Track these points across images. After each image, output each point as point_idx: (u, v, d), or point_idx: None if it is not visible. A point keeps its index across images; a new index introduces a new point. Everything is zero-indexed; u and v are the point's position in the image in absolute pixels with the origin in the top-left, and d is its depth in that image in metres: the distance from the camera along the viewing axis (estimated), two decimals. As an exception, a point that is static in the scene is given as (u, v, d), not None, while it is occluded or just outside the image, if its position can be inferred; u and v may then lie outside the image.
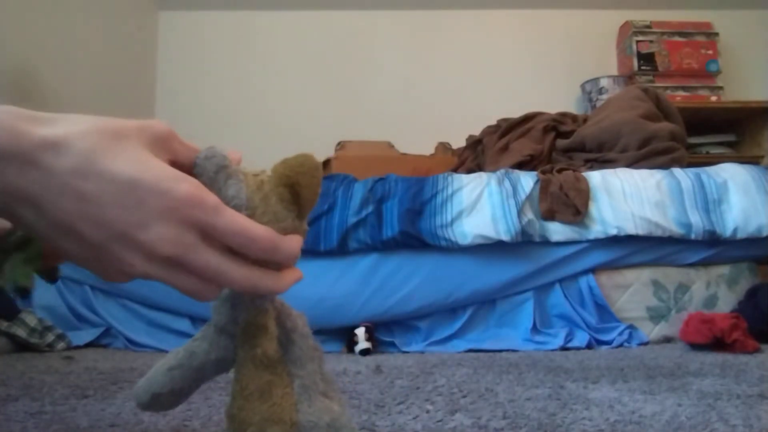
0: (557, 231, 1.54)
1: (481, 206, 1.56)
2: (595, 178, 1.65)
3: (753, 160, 2.47)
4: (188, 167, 0.38)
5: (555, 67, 3.17)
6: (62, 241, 0.34)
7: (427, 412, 0.67)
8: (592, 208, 1.56)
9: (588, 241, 1.54)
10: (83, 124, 0.34)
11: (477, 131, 2.35)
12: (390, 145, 2.59)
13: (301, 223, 0.40)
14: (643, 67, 2.91)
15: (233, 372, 0.41)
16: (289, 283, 0.39)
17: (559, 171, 1.71)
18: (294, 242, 0.38)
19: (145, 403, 0.44)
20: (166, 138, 0.38)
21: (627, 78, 2.93)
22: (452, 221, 1.53)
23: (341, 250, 1.53)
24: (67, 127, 0.34)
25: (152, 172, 0.34)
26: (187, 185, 0.34)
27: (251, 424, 0.38)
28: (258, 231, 0.36)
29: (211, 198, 0.35)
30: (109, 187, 0.33)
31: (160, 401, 0.44)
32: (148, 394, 0.43)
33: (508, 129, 2.16)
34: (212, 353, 0.42)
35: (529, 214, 1.54)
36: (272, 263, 0.37)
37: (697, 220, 1.53)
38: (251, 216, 0.37)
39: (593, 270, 1.55)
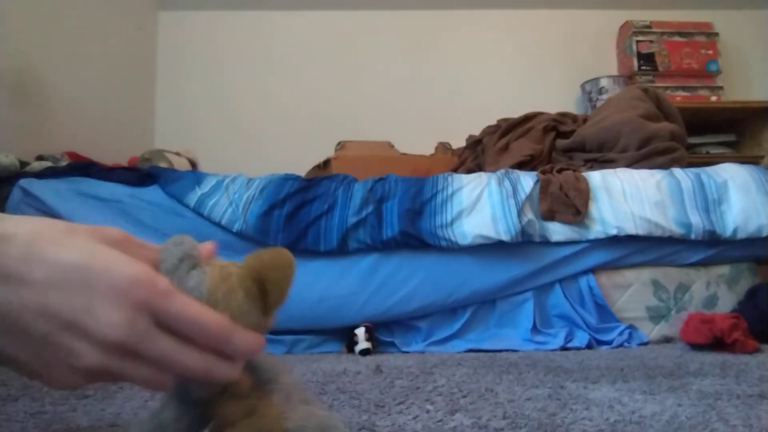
0: (557, 231, 1.54)
1: (481, 206, 1.56)
2: (595, 178, 1.64)
3: (753, 160, 2.48)
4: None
5: (555, 67, 3.17)
6: (3, 339, 0.32)
7: (427, 412, 0.67)
8: (592, 208, 1.56)
9: (588, 241, 1.54)
10: (32, 221, 0.34)
11: (477, 131, 2.35)
12: (390, 145, 2.59)
13: (266, 319, 0.39)
14: (643, 67, 2.91)
15: (213, 419, 0.39)
16: (240, 371, 0.37)
17: (559, 171, 1.71)
18: (250, 337, 0.36)
19: None
20: (120, 240, 0.37)
21: (627, 78, 2.93)
22: (452, 221, 1.53)
23: (341, 250, 1.53)
24: (15, 222, 0.33)
25: (100, 257, 0.33)
26: (137, 267, 0.33)
27: None
28: (210, 318, 0.34)
29: (163, 281, 0.34)
30: (55, 273, 0.31)
31: None
32: None
33: (508, 129, 2.16)
34: (182, 420, 0.40)
35: (529, 214, 1.54)
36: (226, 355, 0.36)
37: (697, 220, 1.53)
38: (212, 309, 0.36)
39: (593, 270, 1.55)
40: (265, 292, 0.38)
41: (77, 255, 0.32)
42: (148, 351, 0.33)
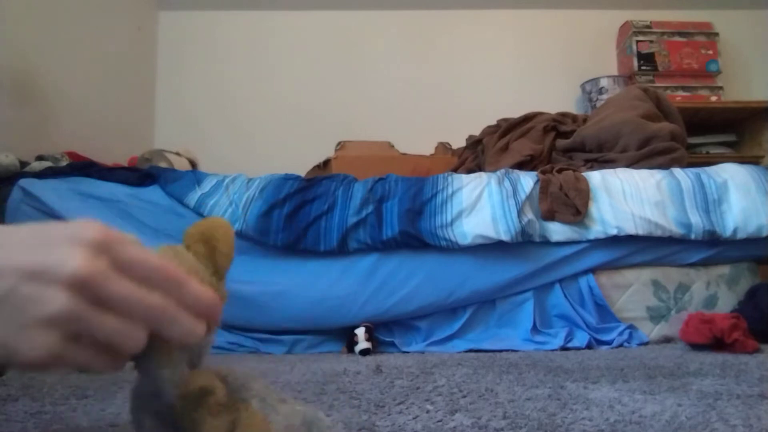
0: (557, 231, 1.54)
1: (481, 206, 1.56)
2: (595, 178, 1.64)
3: (753, 160, 2.48)
4: None
5: (555, 67, 3.17)
6: None
7: (427, 412, 0.67)
8: (592, 208, 1.56)
9: (588, 241, 1.54)
10: None
11: (477, 131, 2.35)
12: (390, 145, 2.59)
13: (219, 283, 0.40)
14: (643, 67, 2.91)
15: None
16: (203, 329, 0.36)
17: (559, 171, 1.71)
18: (205, 289, 0.36)
19: None
20: None
21: (627, 78, 2.93)
22: (452, 221, 1.53)
23: (341, 250, 1.53)
24: None
25: (57, 223, 0.34)
26: (90, 221, 0.34)
27: None
28: (164, 264, 0.35)
29: (117, 232, 0.34)
30: (13, 236, 0.32)
31: None
32: None
33: (508, 129, 2.16)
34: None
35: (529, 214, 1.54)
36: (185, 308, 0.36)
37: (697, 220, 1.53)
38: None
39: (593, 270, 1.55)
40: (212, 251, 0.39)
41: (29, 225, 0.34)
42: (113, 292, 0.32)
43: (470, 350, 1.42)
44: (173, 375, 0.37)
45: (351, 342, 1.42)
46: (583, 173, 1.68)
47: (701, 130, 2.83)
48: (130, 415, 0.41)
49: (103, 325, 0.32)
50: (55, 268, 0.31)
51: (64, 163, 1.87)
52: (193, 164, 2.24)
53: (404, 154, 2.55)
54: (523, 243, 1.52)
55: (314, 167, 2.45)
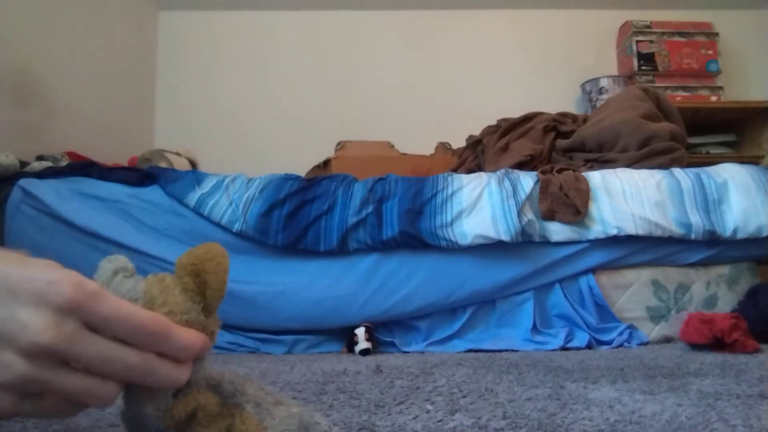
0: (557, 231, 1.54)
1: (481, 206, 1.56)
2: (595, 178, 1.64)
3: (753, 160, 2.48)
4: None
5: (555, 67, 3.17)
6: None
7: (427, 412, 0.67)
8: (592, 208, 1.56)
9: (588, 241, 1.54)
10: None
11: (477, 131, 2.35)
12: (390, 145, 2.59)
13: (208, 319, 0.38)
14: (643, 67, 2.91)
15: None
16: (190, 369, 0.35)
17: (559, 171, 1.71)
18: (191, 334, 0.34)
19: None
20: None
21: (627, 78, 2.93)
22: (452, 221, 1.53)
23: (341, 250, 1.53)
24: None
25: (26, 266, 0.31)
26: (62, 271, 0.31)
27: None
28: (145, 316, 0.32)
29: (91, 284, 0.32)
30: None
31: None
32: None
33: (508, 129, 2.16)
34: None
35: (529, 214, 1.54)
36: (169, 357, 0.34)
37: (697, 220, 1.53)
38: (149, 309, 0.34)
39: (593, 270, 1.55)
40: (203, 285, 0.37)
41: (1, 266, 0.31)
42: (80, 355, 0.31)
43: (470, 350, 1.42)
44: (157, 410, 0.36)
45: (351, 342, 1.42)
46: (583, 173, 1.68)
47: (701, 130, 2.83)
48: None
49: (66, 386, 0.31)
50: (15, 334, 0.29)
51: (64, 163, 1.86)
52: (193, 164, 2.24)
53: (404, 154, 2.55)
54: (523, 243, 1.52)
55: (314, 167, 2.45)
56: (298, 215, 1.55)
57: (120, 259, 0.36)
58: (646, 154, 1.79)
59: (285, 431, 0.37)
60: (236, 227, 1.54)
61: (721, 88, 2.91)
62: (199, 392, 0.37)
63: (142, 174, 1.71)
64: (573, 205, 1.55)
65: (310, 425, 0.39)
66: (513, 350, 1.39)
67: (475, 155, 2.27)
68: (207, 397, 0.37)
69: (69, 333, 0.30)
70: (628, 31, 3.00)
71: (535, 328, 1.50)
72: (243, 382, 0.40)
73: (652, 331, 1.53)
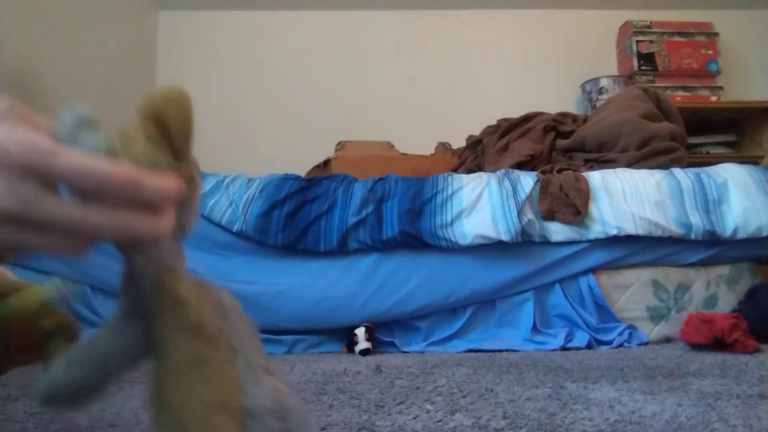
0: (557, 231, 1.54)
1: (481, 206, 1.56)
2: (595, 178, 1.64)
3: (753, 160, 2.47)
4: None
5: (555, 67, 3.16)
6: None
7: (427, 412, 0.67)
8: (592, 208, 1.56)
9: (588, 241, 1.54)
10: None
11: (477, 131, 2.35)
12: (390, 145, 2.59)
13: (180, 164, 0.35)
14: (643, 67, 2.91)
15: (154, 360, 0.34)
16: (172, 218, 0.33)
17: (559, 171, 1.71)
18: (163, 179, 0.32)
19: (44, 398, 0.39)
20: (4, 112, 0.32)
21: (627, 78, 2.93)
22: (452, 221, 1.53)
23: (341, 250, 1.53)
24: None
25: None
26: (11, 130, 0.29)
27: (191, 412, 0.31)
28: (108, 167, 0.30)
29: (42, 141, 0.29)
30: None
31: (60, 397, 0.39)
32: (46, 389, 0.38)
33: (508, 129, 2.16)
34: (117, 342, 0.36)
35: (529, 214, 1.54)
36: (144, 207, 0.31)
37: (697, 220, 1.53)
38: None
39: (593, 270, 1.55)
40: (167, 132, 0.34)
41: None
42: (40, 218, 0.29)
43: (470, 350, 1.42)
44: (146, 261, 0.34)
45: (351, 342, 1.42)
46: (583, 173, 1.68)
47: (701, 130, 2.83)
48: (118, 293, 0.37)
49: (35, 243, 0.30)
50: None
51: (64, 163, 1.86)
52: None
53: (404, 154, 2.54)
54: (523, 243, 1.52)
55: (314, 167, 2.44)
56: (298, 215, 1.55)
57: (82, 109, 0.33)
58: (646, 154, 1.79)
59: (259, 407, 0.33)
60: (236, 227, 1.53)
61: (721, 88, 2.91)
62: (193, 291, 0.35)
63: (142, 174, 1.71)
64: (573, 205, 1.55)
65: (288, 412, 0.35)
66: (513, 350, 1.39)
67: (475, 155, 2.27)
68: (203, 307, 0.34)
69: (27, 196, 0.29)
70: (628, 31, 3.00)
71: (535, 328, 1.50)
72: (246, 331, 0.37)
73: (652, 331, 1.53)
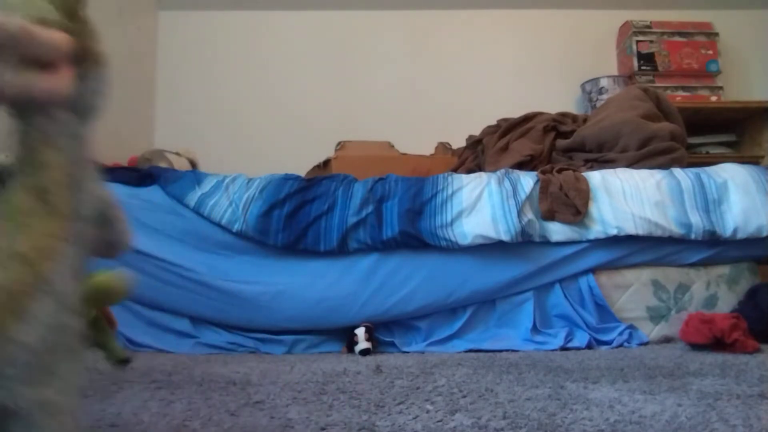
0: (557, 231, 1.54)
1: (481, 206, 1.56)
2: (595, 178, 1.64)
3: (753, 160, 2.47)
4: None
5: (555, 67, 3.16)
6: None
7: (427, 412, 0.67)
8: (592, 208, 1.56)
9: (588, 241, 1.54)
10: None
11: (477, 131, 2.35)
12: (390, 145, 2.59)
13: (76, 25, 0.35)
14: (643, 67, 2.91)
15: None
16: (68, 79, 0.33)
17: (559, 171, 1.71)
18: (57, 34, 0.32)
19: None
20: None
21: (627, 78, 2.93)
22: (452, 221, 1.53)
23: (341, 250, 1.53)
24: None
25: None
26: None
27: None
28: (1, 17, 0.30)
29: None
30: None
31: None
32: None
33: (508, 129, 2.16)
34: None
35: (529, 214, 1.54)
36: (41, 67, 0.31)
37: (697, 220, 1.53)
38: None
39: (593, 270, 1.55)
40: None
41: None
42: None
43: (470, 350, 1.42)
44: (33, 127, 0.35)
45: (351, 342, 1.42)
46: (583, 173, 1.67)
47: (701, 130, 2.83)
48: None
49: None
50: None
51: (64, 163, 1.86)
52: (193, 164, 2.24)
53: (404, 154, 2.54)
54: (523, 243, 1.52)
55: (314, 167, 2.44)
56: (298, 215, 1.55)
57: None
58: (646, 154, 1.79)
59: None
60: (236, 227, 1.53)
61: (721, 88, 2.91)
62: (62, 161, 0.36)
63: (142, 174, 1.71)
64: (573, 205, 1.55)
65: (108, 220, 0.38)
66: (513, 350, 1.39)
67: (475, 155, 2.27)
68: (58, 172, 0.35)
69: None
70: (628, 31, 3.00)
71: (535, 328, 1.50)
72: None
73: (652, 331, 1.53)
